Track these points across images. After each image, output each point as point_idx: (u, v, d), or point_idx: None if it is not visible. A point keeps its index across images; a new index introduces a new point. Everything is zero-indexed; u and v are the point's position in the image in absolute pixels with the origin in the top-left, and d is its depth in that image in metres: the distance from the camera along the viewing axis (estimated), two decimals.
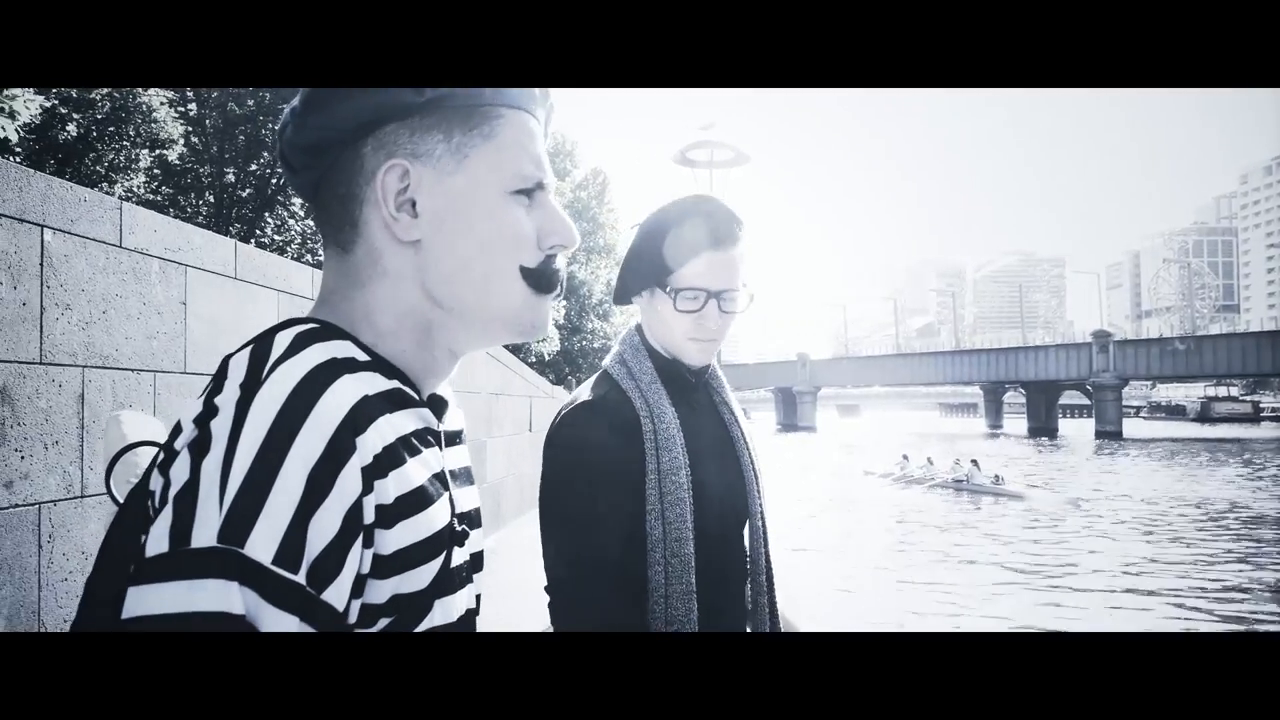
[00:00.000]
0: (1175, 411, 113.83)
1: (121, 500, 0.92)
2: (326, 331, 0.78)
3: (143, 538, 0.72)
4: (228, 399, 0.69)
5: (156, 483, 0.70)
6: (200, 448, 0.67)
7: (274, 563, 0.65)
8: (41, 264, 2.96)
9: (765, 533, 1.76)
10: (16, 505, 2.86)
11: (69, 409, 3.07)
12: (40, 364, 2.95)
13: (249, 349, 0.75)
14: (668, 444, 1.61)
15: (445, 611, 0.80)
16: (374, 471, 0.72)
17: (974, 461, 24.63)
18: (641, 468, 1.60)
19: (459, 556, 0.83)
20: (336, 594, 0.69)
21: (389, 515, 0.73)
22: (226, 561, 0.64)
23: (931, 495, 23.25)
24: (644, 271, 1.71)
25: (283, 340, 0.75)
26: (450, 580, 0.80)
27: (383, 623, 0.74)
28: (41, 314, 2.96)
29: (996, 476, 23.44)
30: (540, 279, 0.86)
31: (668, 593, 1.56)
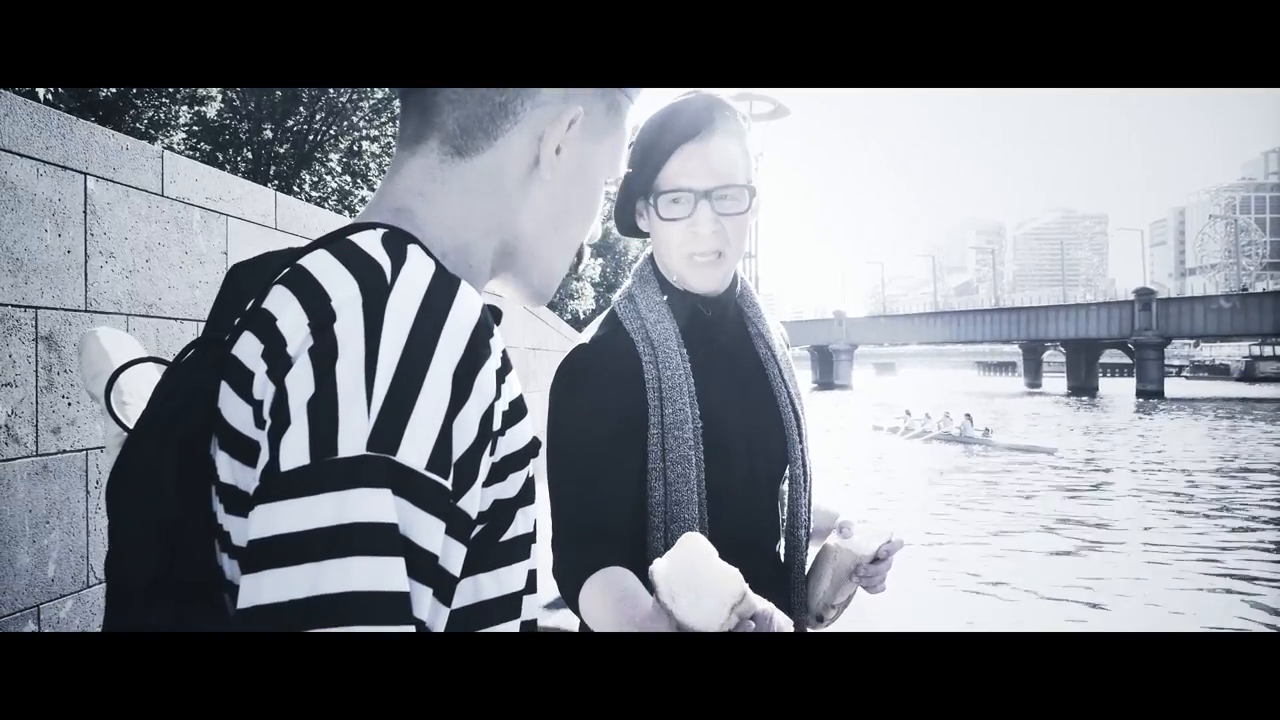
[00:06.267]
0: (1219, 371, 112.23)
1: (128, 421, 0.89)
2: (401, 235, 0.74)
3: (213, 453, 0.70)
4: (347, 302, 0.65)
5: (264, 391, 0.66)
6: (326, 354, 0.63)
7: (427, 468, 0.63)
8: (85, 212, 2.96)
9: (807, 482, 1.56)
10: (64, 451, 2.89)
11: None
12: (85, 311, 2.96)
13: (328, 253, 0.70)
14: (673, 393, 1.44)
15: (525, 520, 0.79)
16: (500, 376, 0.71)
17: (967, 415, 26.31)
18: (644, 421, 1.44)
19: (532, 467, 0.82)
20: (469, 502, 0.68)
21: (505, 420, 0.72)
22: (377, 469, 0.61)
23: (931, 446, 24.71)
24: (631, 185, 1.50)
25: (372, 242, 0.71)
26: (530, 489, 0.79)
27: (475, 530, 0.72)
28: (86, 262, 2.96)
29: (986, 429, 25.26)
30: (579, 260, 0.93)
31: None
